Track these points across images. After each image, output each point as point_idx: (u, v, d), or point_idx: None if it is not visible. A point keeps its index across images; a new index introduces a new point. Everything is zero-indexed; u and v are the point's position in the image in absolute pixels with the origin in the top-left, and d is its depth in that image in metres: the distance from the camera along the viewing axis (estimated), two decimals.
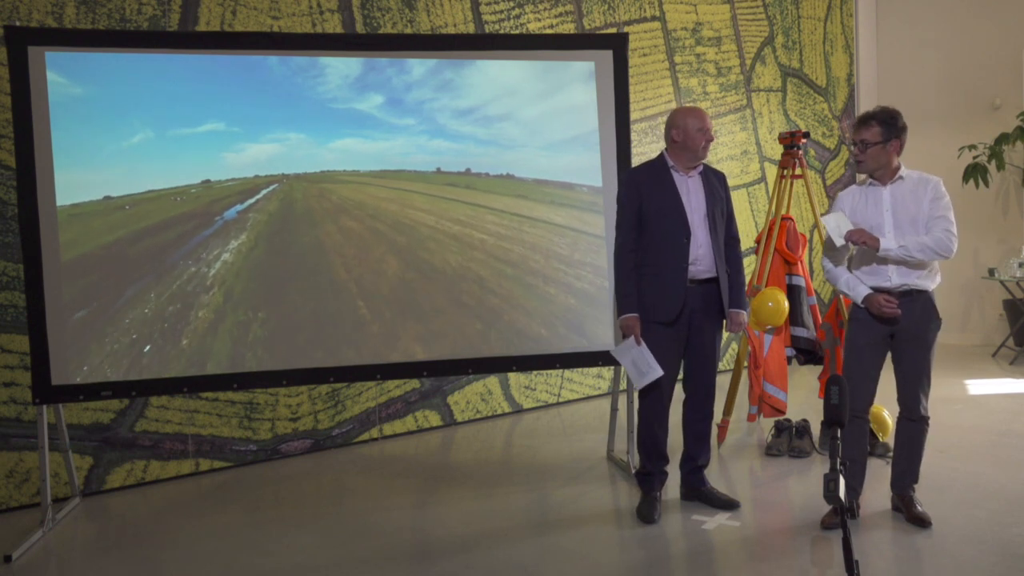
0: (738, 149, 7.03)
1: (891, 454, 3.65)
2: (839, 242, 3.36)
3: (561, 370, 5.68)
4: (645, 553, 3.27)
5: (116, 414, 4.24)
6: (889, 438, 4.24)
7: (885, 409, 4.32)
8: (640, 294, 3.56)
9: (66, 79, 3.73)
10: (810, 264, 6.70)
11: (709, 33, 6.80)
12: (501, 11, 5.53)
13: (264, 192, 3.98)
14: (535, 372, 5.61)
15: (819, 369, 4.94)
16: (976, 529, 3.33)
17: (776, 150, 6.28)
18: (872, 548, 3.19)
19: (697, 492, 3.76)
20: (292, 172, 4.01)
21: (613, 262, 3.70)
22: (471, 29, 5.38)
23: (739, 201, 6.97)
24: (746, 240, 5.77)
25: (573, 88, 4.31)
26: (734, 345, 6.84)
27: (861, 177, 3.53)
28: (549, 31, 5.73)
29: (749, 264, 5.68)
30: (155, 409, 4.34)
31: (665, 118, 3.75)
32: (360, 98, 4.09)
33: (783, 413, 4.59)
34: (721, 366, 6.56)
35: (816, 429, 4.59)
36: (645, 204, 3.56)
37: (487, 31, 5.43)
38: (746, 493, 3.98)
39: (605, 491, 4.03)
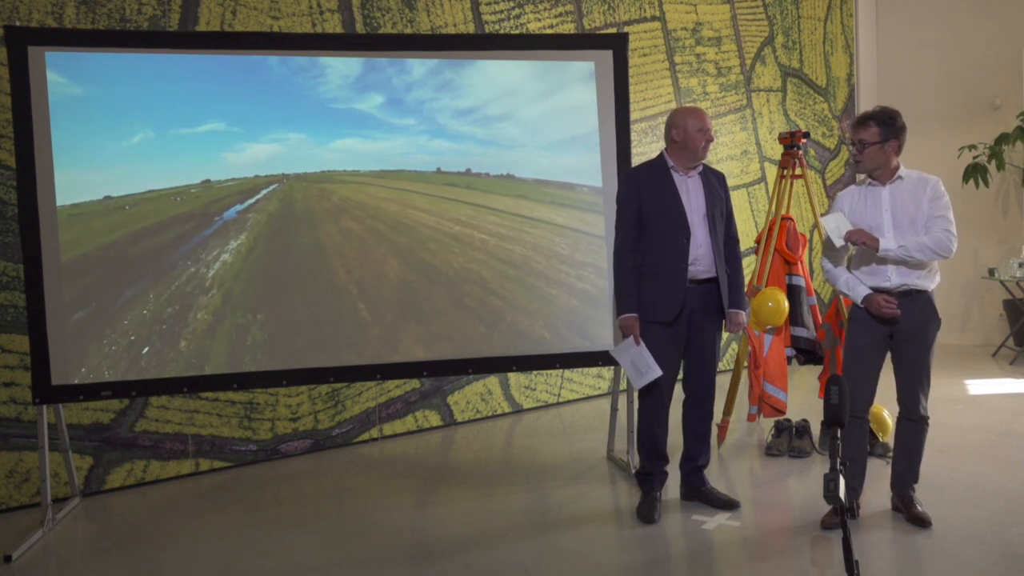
0: (738, 149, 7.03)
1: (891, 454, 3.65)
2: (838, 242, 3.36)
3: (561, 370, 5.69)
4: (645, 553, 3.27)
5: (116, 414, 4.24)
6: (889, 438, 4.24)
7: (885, 409, 4.32)
8: (640, 294, 3.56)
9: (66, 79, 3.73)
10: (810, 264, 6.70)
11: (709, 33, 6.80)
12: (501, 11, 5.53)
13: (264, 192, 3.98)
14: (535, 372, 5.61)
15: (819, 369, 4.94)
16: (976, 529, 3.33)
17: (776, 150, 6.28)
18: (872, 548, 3.19)
19: (697, 492, 3.76)
20: (292, 172, 4.01)
21: (612, 262, 3.70)
22: (471, 29, 5.38)
23: (739, 201, 6.97)
24: (746, 240, 5.77)
25: (573, 88, 4.31)
26: (734, 345, 6.84)
27: (860, 177, 3.53)
28: (549, 31, 5.73)
29: (749, 264, 5.69)
30: (155, 409, 4.34)
31: (665, 118, 3.75)
32: (360, 98, 4.09)
33: (783, 413, 4.59)
34: (721, 366, 6.56)
35: (816, 429, 4.59)
36: (645, 204, 3.56)
37: (487, 31, 5.43)
38: (746, 493, 3.98)
39: (605, 491, 4.03)
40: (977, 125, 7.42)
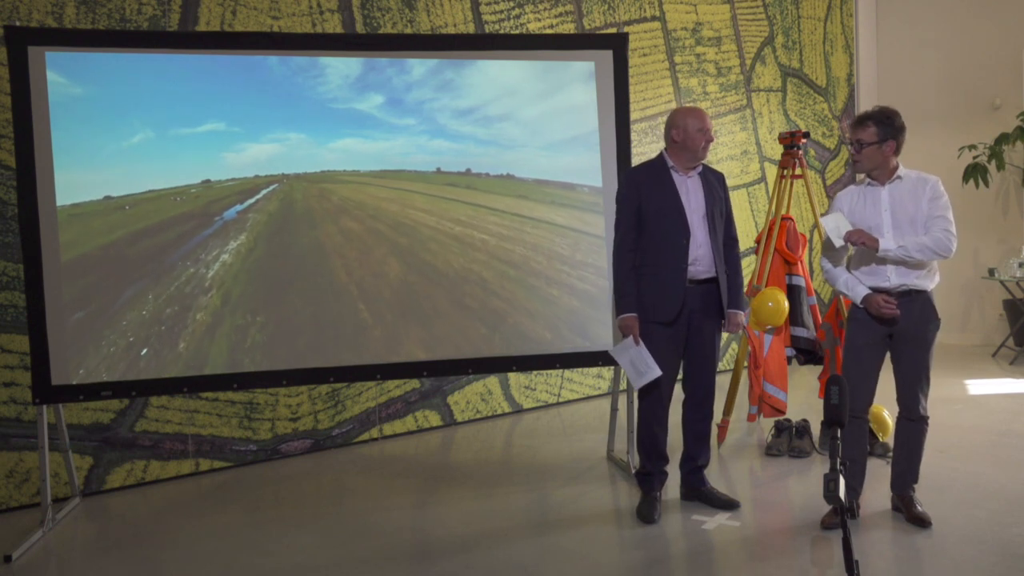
0: (738, 149, 7.03)
1: (891, 454, 3.65)
2: (838, 243, 3.36)
3: (561, 370, 5.69)
4: (645, 553, 3.27)
5: (116, 414, 4.24)
6: (889, 438, 4.24)
7: (885, 409, 4.32)
8: (639, 294, 3.56)
9: (66, 79, 3.73)
10: (810, 264, 6.69)
11: (709, 33, 6.80)
12: (501, 11, 5.53)
13: (264, 192, 3.98)
14: (535, 372, 5.61)
15: (819, 369, 4.94)
16: (976, 529, 3.33)
17: (776, 150, 6.28)
18: (872, 548, 3.19)
19: (697, 492, 3.76)
20: (292, 172, 4.01)
21: (612, 262, 3.70)
22: (471, 29, 5.38)
23: (739, 201, 6.97)
24: (746, 240, 5.77)
25: (573, 88, 4.31)
26: (734, 345, 6.84)
27: (860, 177, 3.53)
28: (549, 31, 5.73)
29: (749, 264, 5.69)
30: (155, 409, 4.34)
31: (665, 118, 3.75)
32: (360, 98, 4.09)
33: (783, 413, 4.59)
34: (721, 366, 6.57)
35: (816, 429, 4.59)
36: (644, 204, 3.56)
37: (487, 31, 5.43)
38: (746, 493, 3.98)
39: (605, 491, 4.03)
40: (977, 125, 7.42)
